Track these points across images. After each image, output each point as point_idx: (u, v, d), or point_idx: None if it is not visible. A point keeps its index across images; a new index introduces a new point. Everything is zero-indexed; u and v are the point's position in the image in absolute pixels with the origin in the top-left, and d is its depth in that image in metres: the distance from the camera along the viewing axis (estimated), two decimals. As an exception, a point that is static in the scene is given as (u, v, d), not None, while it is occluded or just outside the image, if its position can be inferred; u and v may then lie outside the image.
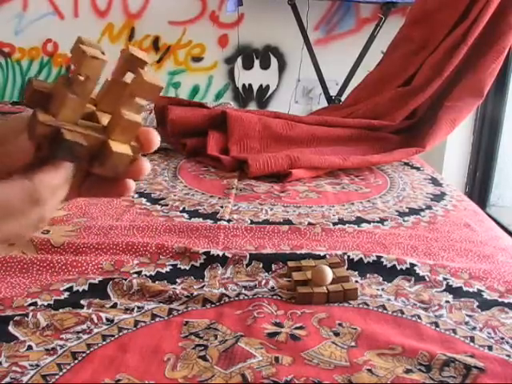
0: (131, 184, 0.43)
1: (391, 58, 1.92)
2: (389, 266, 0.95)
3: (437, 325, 0.79)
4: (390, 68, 1.90)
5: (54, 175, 0.39)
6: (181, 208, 1.23)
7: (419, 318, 0.80)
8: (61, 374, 0.66)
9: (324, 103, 2.63)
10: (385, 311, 0.82)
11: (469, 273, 0.94)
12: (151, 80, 0.39)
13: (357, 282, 0.90)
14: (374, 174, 1.58)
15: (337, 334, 0.75)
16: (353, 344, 0.73)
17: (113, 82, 0.40)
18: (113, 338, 0.73)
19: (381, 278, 0.92)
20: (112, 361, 0.68)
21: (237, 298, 0.84)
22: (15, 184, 0.38)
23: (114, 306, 0.81)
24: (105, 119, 0.40)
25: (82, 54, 0.37)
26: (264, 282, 0.89)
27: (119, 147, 0.39)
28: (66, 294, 0.84)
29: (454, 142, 2.40)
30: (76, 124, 0.38)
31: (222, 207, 1.24)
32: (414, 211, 1.27)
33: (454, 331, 0.77)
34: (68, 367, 0.67)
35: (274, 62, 2.92)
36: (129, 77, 0.40)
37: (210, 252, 0.96)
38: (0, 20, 2.83)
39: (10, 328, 0.74)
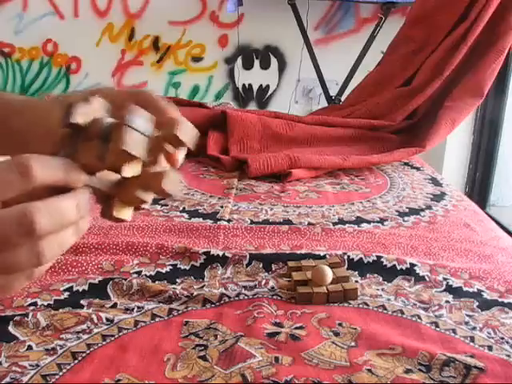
0: None
1: (391, 58, 1.92)
2: (389, 266, 0.95)
3: (437, 325, 0.79)
4: (389, 68, 1.90)
5: (60, 204, 0.35)
6: (181, 208, 1.23)
7: (419, 318, 0.80)
8: (61, 374, 0.66)
9: (324, 103, 2.64)
10: (385, 311, 0.82)
11: (469, 273, 0.94)
12: (166, 185, 0.39)
13: (357, 282, 0.90)
14: (373, 174, 1.58)
15: (337, 334, 0.75)
16: (353, 344, 0.73)
17: (154, 142, 0.40)
18: (113, 338, 0.73)
19: (381, 278, 0.92)
20: (112, 361, 0.68)
21: (237, 298, 0.84)
22: (11, 210, 0.33)
23: (114, 305, 0.81)
24: (128, 170, 0.40)
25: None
26: (264, 282, 0.89)
27: (121, 212, 0.39)
28: (65, 294, 0.84)
29: (454, 142, 2.41)
30: (93, 173, 0.38)
31: (222, 207, 1.24)
32: (413, 211, 1.26)
33: (454, 331, 0.77)
34: (68, 367, 0.67)
35: (274, 62, 2.93)
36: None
37: (210, 252, 0.96)
38: (0, 20, 2.84)
39: (10, 328, 0.74)
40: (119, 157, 0.37)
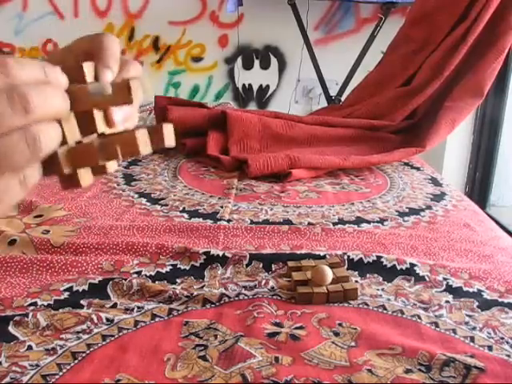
0: None
1: (391, 58, 1.92)
2: (389, 266, 0.95)
3: (437, 325, 0.79)
4: (389, 68, 1.90)
5: (48, 87, 0.34)
6: (181, 208, 1.23)
7: (419, 318, 0.80)
8: (61, 374, 0.66)
9: (324, 103, 2.63)
10: (385, 311, 0.82)
11: (469, 273, 0.94)
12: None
13: (357, 282, 0.91)
14: (373, 174, 1.58)
15: (337, 334, 0.75)
16: (353, 344, 0.73)
17: None
18: (113, 338, 0.73)
19: (381, 278, 0.92)
20: (112, 361, 0.68)
21: (237, 298, 0.84)
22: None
23: (114, 305, 0.81)
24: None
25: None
26: (264, 282, 0.89)
27: (83, 177, 0.38)
28: (65, 294, 0.84)
29: (454, 142, 2.40)
30: None
31: (221, 207, 1.24)
32: (413, 211, 1.27)
33: (454, 331, 0.77)
34: (68, 367, 0.67)
35: (274, 62, 2.92)
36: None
37: (210, 252, 0.96)
38: (0, 20, 2.83)
39: (10, 328, 0.74)
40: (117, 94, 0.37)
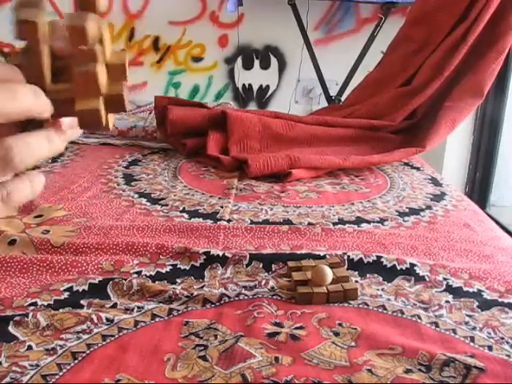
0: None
1: (391, 58, 1.92)
2: (389, 266, 0.95)
3: (437, 325, 0.79)
4: (389, 68, 1.90)
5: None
6: (181, 208, 1.23)
7: (419, 318, 0.80)
8: (61, 374, 0.66)
9: (324, 103, 2.63)
10: (385, 311, 0.82)
11: (469, 273, 0.94)
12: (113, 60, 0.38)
13: (357, 282, 0.91)
14: (374, 174, 1.58)
15: (337, 334, 0.75)
16: (353, 344, 0.73)
17: None
18: (113, 338, 0.73)
19: (381, 278, 0.92)
20: (112, 361, 0.68)
21: (237, 298, 0.84)
22: None
23: (114, 305, 0.81)
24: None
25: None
26: (264, 282, 0.89)
27: (85, 104, 0.36)
28: (65, 294, 0.84)
29: (454, 142, 2.40)
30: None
31: (222, 207, 1.24)
32: (413, 211, 1.27)
33: (454, 331, 0.77)
34: (68, 367, 0.67)
35: (274, 62, 2.92)
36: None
37: (209, 252, 0.96)
38: (0, 20, 2.84)
39: (10, 328, 0.74)
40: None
